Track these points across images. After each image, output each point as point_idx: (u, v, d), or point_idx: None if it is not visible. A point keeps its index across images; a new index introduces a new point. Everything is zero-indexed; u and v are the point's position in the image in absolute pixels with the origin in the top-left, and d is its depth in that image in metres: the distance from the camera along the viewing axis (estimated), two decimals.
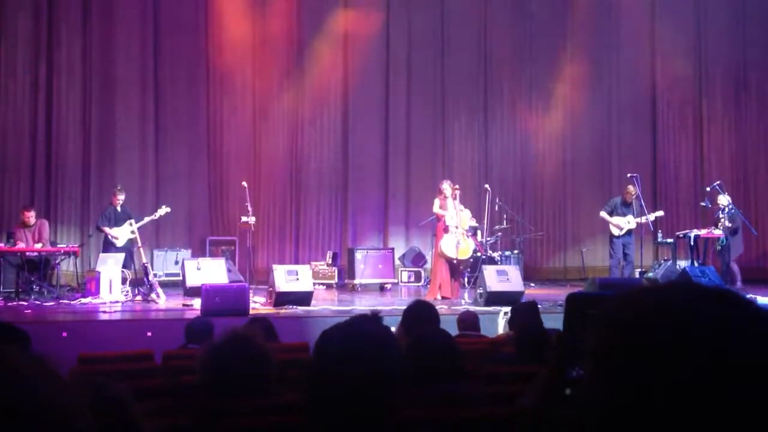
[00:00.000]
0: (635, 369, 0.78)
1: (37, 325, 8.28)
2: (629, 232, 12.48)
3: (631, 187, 12.54)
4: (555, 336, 2.61)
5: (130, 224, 11.38)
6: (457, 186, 11.61)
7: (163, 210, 11.71)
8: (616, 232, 12.45)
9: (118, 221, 11.50)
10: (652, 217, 12.44)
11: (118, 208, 11.62)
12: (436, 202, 11.51)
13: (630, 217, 12.39)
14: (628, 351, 0.80)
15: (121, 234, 11.43)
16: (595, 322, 0.85)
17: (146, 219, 11.64)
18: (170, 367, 4.59)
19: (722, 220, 12.65)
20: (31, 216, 11.34)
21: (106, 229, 11.48)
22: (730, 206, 12.74)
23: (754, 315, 0.81)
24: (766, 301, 10.46)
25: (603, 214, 12.64)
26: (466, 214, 11.83)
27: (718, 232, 12.74)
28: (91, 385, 1.24)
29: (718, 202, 12.84)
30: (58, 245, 11.66)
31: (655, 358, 0.78)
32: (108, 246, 11.43)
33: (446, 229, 11.28)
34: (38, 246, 11.10)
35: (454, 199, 11.41)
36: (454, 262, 11.32)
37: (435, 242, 11.78)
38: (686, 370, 0.77)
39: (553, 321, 5.17)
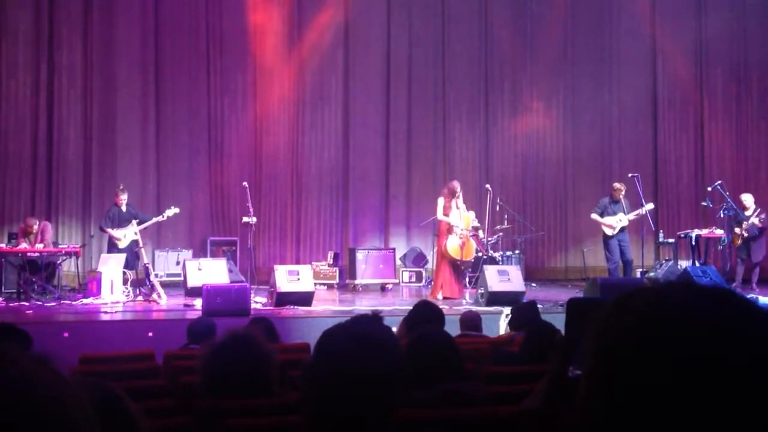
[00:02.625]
0: (633, 368, 0.79)
1: (39, 325, 8.28)
2: (622, 230, 12.43)
3: (617, 184, 12.51)
4: (558, 338, 2.61)
5: (135, 224, 11.29)
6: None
7: (171, 211, 11.61)
8: (609, 232, 12.38)
9: (122, 222, 11.33)
10: (643, 210, 12.35)
11: (123, 208, 11.46)
12: (441, 201, 11.43)
13: (621, 215, 12.33)
14: (626, 350, 0.80)
15: (125, 235, 11.33)
16: (593, 322, 0.85)
17: (153, 219, 11.56)
18: (171, 368, 4.59)
19: (752, 219, 12.52)
20: (31, 224, 11.29)
21: (110, 231, 11.31)
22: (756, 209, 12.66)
23: (754, 314, 0.81)
24: (767, 301, 10.46)
25: (594, 216, 12.56)
26: (470, 214, 11.81)
27: (719, 231, 12.71)
28: (90, 386, 1.24)
29: (744, 202, 12.72)
30: (60, 246, 11.65)
31: (654, 357, 0.78)
32: (112, 246, 11.35)
33: (450, 230, 11.24)
34: (40, 246, 11.08)
35: (457, 198, 11.39)
36: (458, 263, 11.31)
37: (437, 242, 11.74)
38: (685, 369, 0.77)
39: (554, 321, 5.16)
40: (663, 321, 0.80)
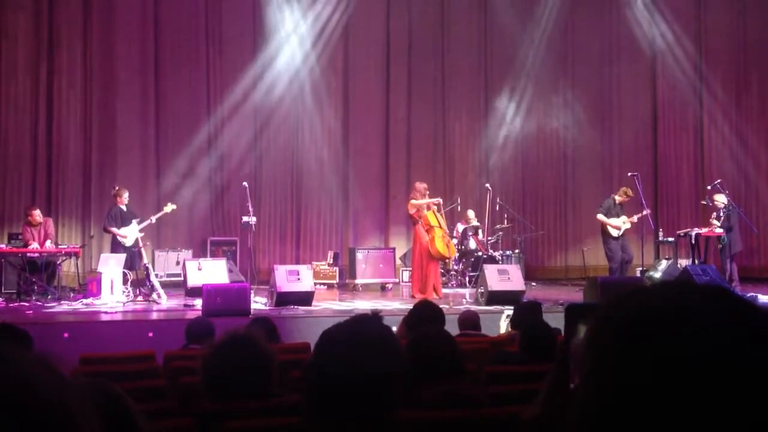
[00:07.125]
0: (631, 368, 0.79)
1: (39, 326, 8.27)
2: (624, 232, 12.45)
3: (629, 191, 12.48)
4: (558, 345, 2.60)
5: (137, 223, 11.30)
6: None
7: (170, 207, 11.64)
8: (615, 233, 12.34)
9: (124, 221, 11.35)
10: (635, 219, 12.34)
11: (124, 208, 11.49)
12: (414, 202, 11.34)
13: (624, 218, 12.38)
14: (623, 349, 0.80)
15: (129, 234, 11.33)
16: (591, 321, 0.85)
17: (153, 217, 11.57)
18: (172, 368, 4.59)
19: (713, 218, 12.61)
20: (37, 215, 11.31)
21: (114, 230, 11.30)
22: (729, 204, 12.67)
23: (752, 314, 0.82)
24: (766, 300, 10.46)
25: (600, 216, 12.45)
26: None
27: (719, 230, 12.72)
28: (90, 386, 1.24)
29: (715, 200, 12.77)
30: (60, 246, 11.64)
31: (651, 357, 0.78)
32: (116, 246, 11.34)
33: (431, 230, 11.16)
34: (48, 243, 11.07)
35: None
36: (445, 260, 11.30)
37: (415, 240, 11.55)
38: (683, 369, 0.77)
39: (554, 320, 5.17)
40: (658, 320, 0.80)
